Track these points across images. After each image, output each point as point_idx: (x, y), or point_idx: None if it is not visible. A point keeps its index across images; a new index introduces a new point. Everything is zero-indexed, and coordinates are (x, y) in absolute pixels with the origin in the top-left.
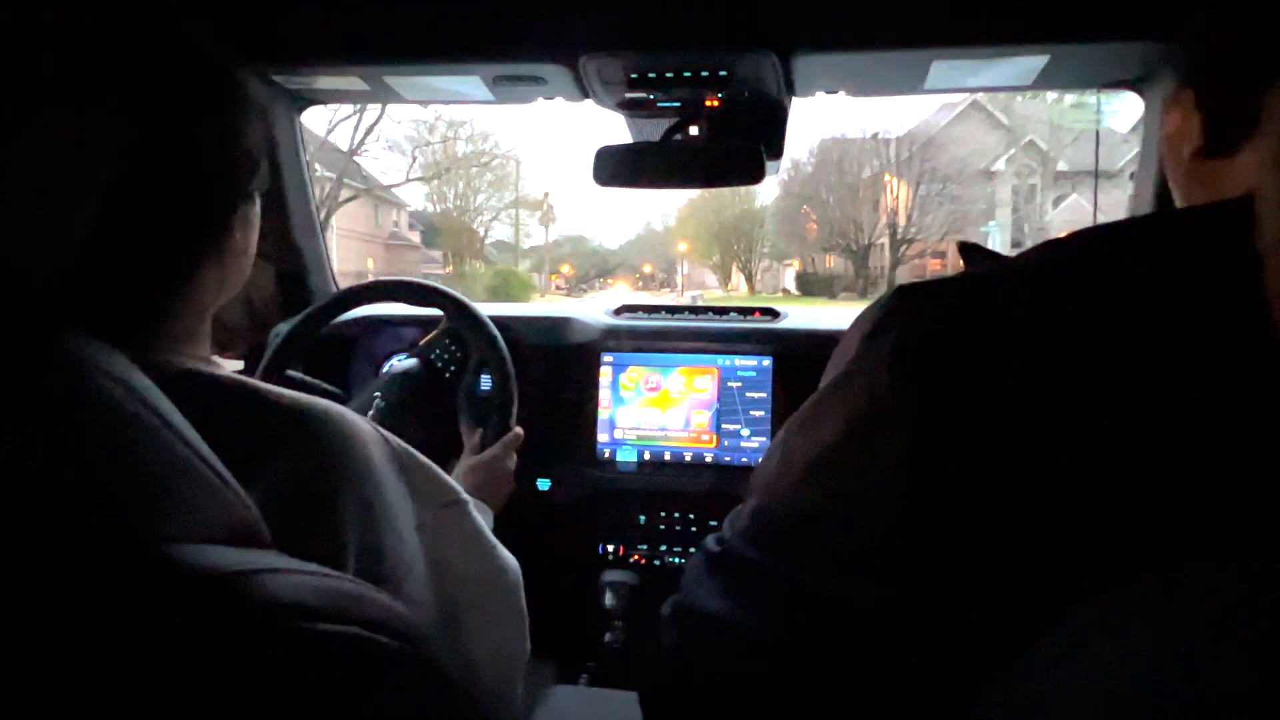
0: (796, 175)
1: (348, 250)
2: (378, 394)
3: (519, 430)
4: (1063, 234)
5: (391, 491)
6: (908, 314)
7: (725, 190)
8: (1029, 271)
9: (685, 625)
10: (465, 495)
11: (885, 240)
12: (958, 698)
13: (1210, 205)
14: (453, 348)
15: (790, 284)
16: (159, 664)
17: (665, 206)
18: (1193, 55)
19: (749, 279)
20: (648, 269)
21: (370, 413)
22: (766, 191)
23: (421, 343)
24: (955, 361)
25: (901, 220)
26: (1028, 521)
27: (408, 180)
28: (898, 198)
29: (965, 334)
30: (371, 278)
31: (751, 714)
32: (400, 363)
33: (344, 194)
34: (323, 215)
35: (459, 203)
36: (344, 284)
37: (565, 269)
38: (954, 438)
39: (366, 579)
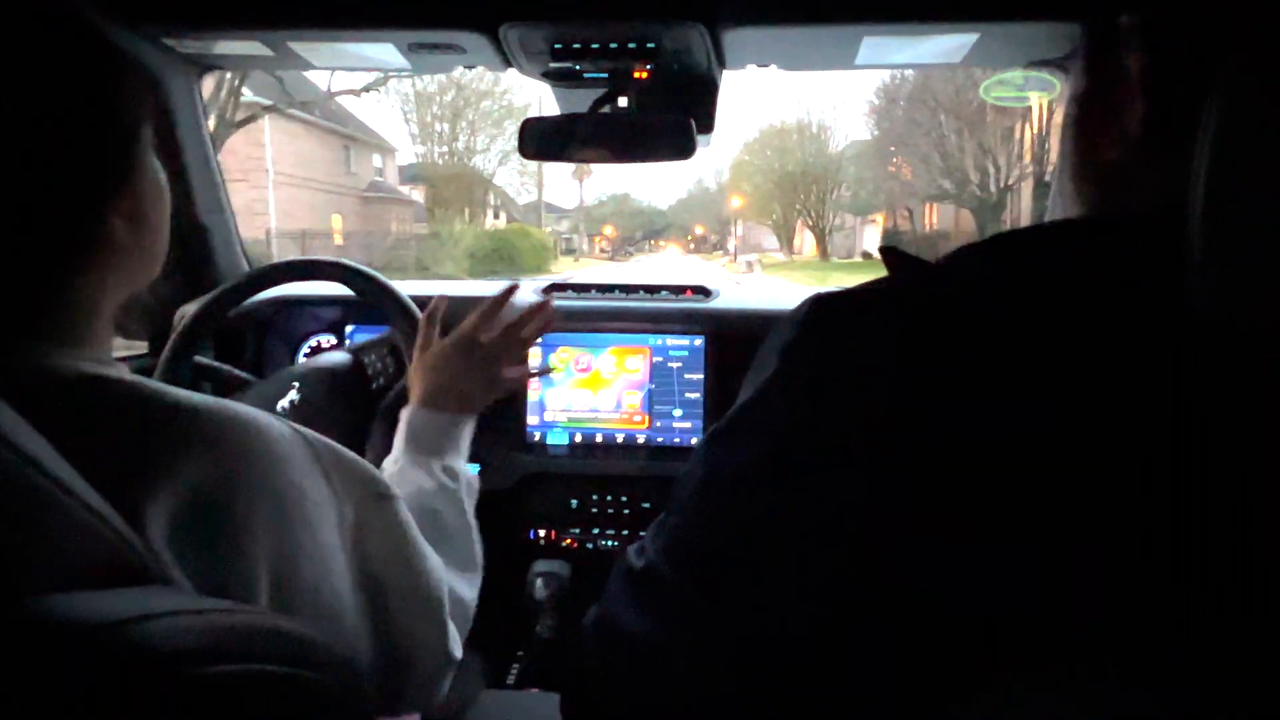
0: (886, 112)
1: (304, 203)
2: (296, 383)
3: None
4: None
5: (310, 490)
6: (825, 330)
7: (792, 131)
8: (948, 284)
9: (605, 639)
10: (394, 491)
11: (1025, 184)
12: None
13: (1131, 216)
14: (389, 359)
15: (872, 245)
16: None
17: (719, 161)
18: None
19: (820, 239)
20: (699, 230)
21: (285, 401)
22: (845, 132)
23: (359, 343)
24: (871, 379)
25: (1053, 155)
26: (945, 543)
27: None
28: (1044, 124)
29: (881, 350)
30: (339, 238)
31: None
32: (329, 356)
33: (242, 113)
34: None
35: (453, 144)
36: (305, 245)
37: (608, 230)
38: (872, 458)
39: (282, 587)
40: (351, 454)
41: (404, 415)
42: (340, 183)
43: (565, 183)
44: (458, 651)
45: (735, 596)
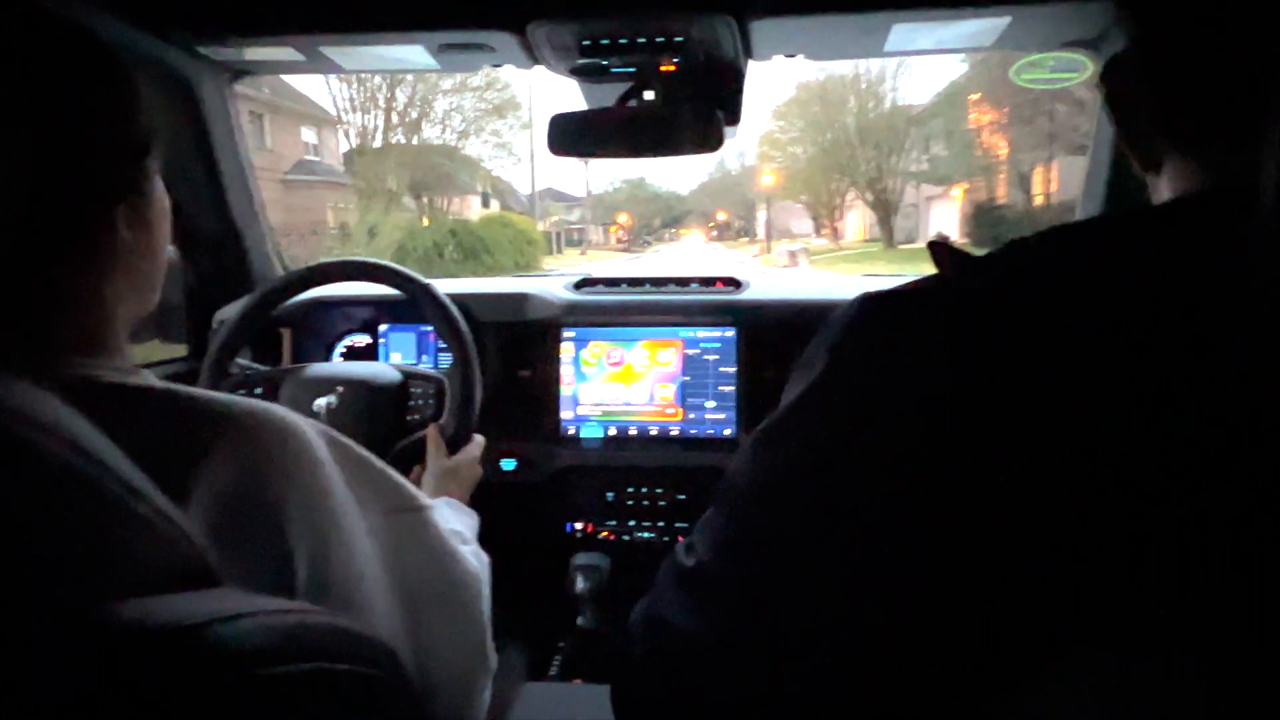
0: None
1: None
2: (340, 387)
3: (481, 439)
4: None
5: (339, 496)
6: (874, 331)
7: (841, 85)
8: (999, 281)
9: (655, 638)
10: (425, 502)
11: None
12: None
13: (1172, 205)
14: (433, 399)
15: (946, 225)
16: None
17: (742, 141)
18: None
19: (885, 219)
20: (722, 215)
21: (323, 401)
22: (922, 86)
23: (411, 368)
24: (923, 380)
25: None
26: (1006, 537)
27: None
28: None
29: (933, 351)
30: None
31: None
32: (378, 370)
33: None
34: None
35: (403, 116)
36: None
37: (622, 218)
38: (927, 456)
39: (316, 590)
40: (380, 465)
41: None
42: (258, 164)
43: (574, 170)
44: (494, 661)
45: (785, 595)
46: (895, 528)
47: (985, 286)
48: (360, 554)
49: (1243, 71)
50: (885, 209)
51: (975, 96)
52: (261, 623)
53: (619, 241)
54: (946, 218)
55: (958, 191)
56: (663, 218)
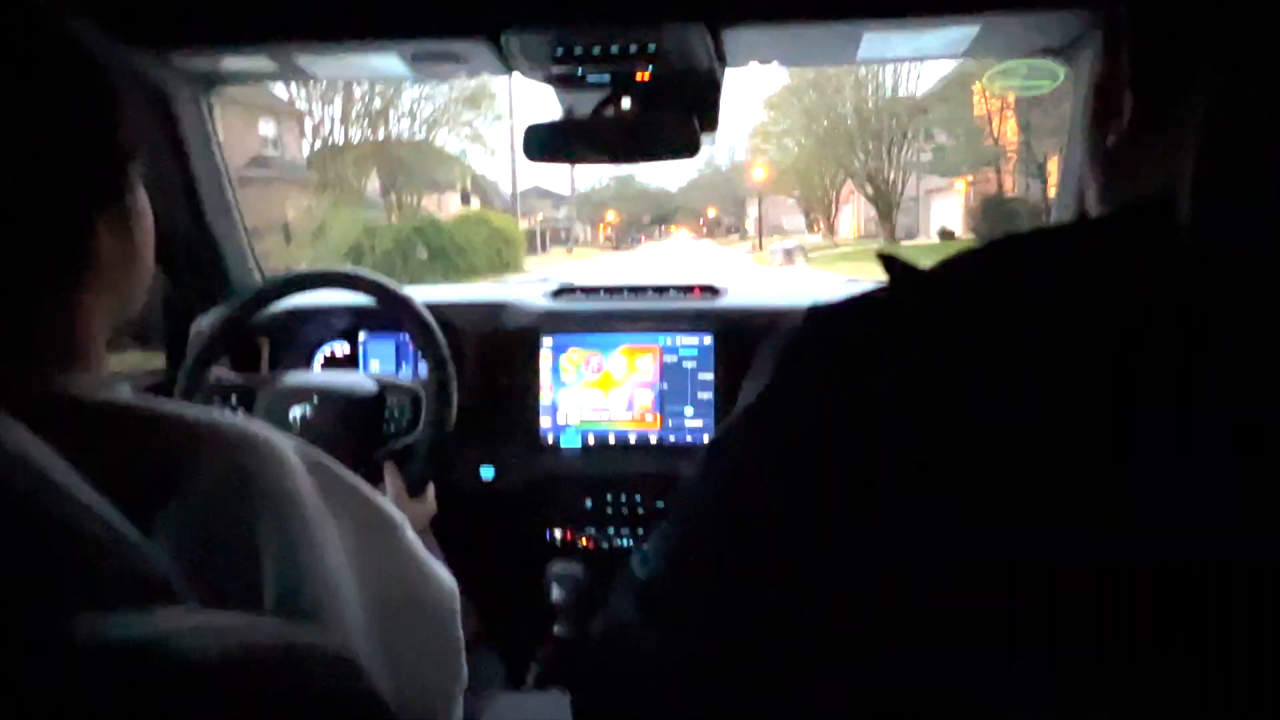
0: None
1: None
2: (315, 396)
3: (432, 501)
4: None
5: (314, 515)
6: (822, 343)
7: (839, 72)
8: (947, 293)
9: (611, 649)
10: (400, 518)
11: None
12: None
13: (1123, 213)
14: (409, 408)
15: (950, 219)
16: None
17: (732, 137)
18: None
19: (887, 213)
20: (711, 212)
21: (297, 411)
22: (928, 70)
23: (387, 378)
24: (868, 393)
25: None
26: (949, 550)
27: None
28: None
29: (878, 363)
30: None
31: None
32: (355, 380)
33: None
34: None
35: (365, 107)
36: None
37: (610, 216)
38: (870, 469)
39: (287, 609)
40: (355, 480)
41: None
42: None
43: (561, 167)
44: (466, 675)
45: (735, 604)
46: (836, 535)
47: (929, 300)
48: (333, 572)
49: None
50: (885, 203)
51: (984, 80)
52: (224, 636)
53: (607, 239)
54: (949, 212)
55: (960, 185)
56: (652, 215)
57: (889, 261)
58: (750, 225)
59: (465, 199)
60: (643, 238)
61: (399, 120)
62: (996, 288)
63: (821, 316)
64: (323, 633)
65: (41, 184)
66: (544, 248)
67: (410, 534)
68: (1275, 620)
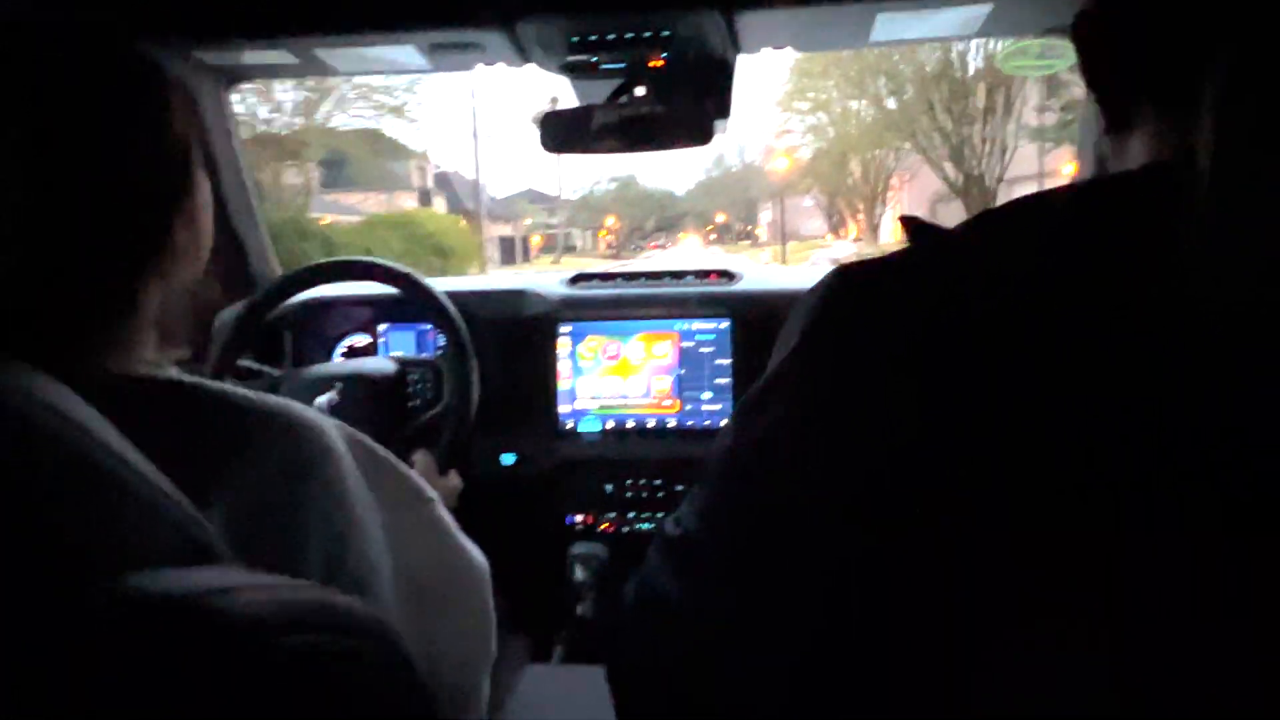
0: None
1: None
2: (339, 384)
3: (457, 479)
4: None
5: (357, 492)
6: (846, 304)
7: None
8: (968, 255)
9: (643, 606)
10: (433, 494)
11: None
12: (925, 682)
13: (1144, 172)
14: (431, 381)
15: None
16: (124, 698)
17: (742, 135)
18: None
19: (980, 199)
20: (721, 217)
21: (324, 399)
22: None
23: (406, 356)
24: (892, 353)
25: None
26: (964, 520)
27: None
28: None
29: (902, 325)
30: None
31: (715, 695)
32: (375, 363)
33: None
34: None
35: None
36: None
37: (610, 221)
38: (893, 430)
39: (331, 582)
40: (394, 459)
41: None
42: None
43: (552, 169)
44: (495, 649)
45: (765, 560)
46: (862, 496)
47: (951, 261)
48: (374, 548)
49: (1211, 28)
50: (979, 191)
51: (999, 60)
52: (263, 595)
53: (609, 246)
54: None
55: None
56: (656, 220)
57: (910, 223)
58: (764, 231)
59: (425, 199)
60: (647, 244)
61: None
62: (1018, 250)
63: (847, 276)
64: (361, 600)
65: (123, 189)
66: (526, 257)
67: (443, 509)
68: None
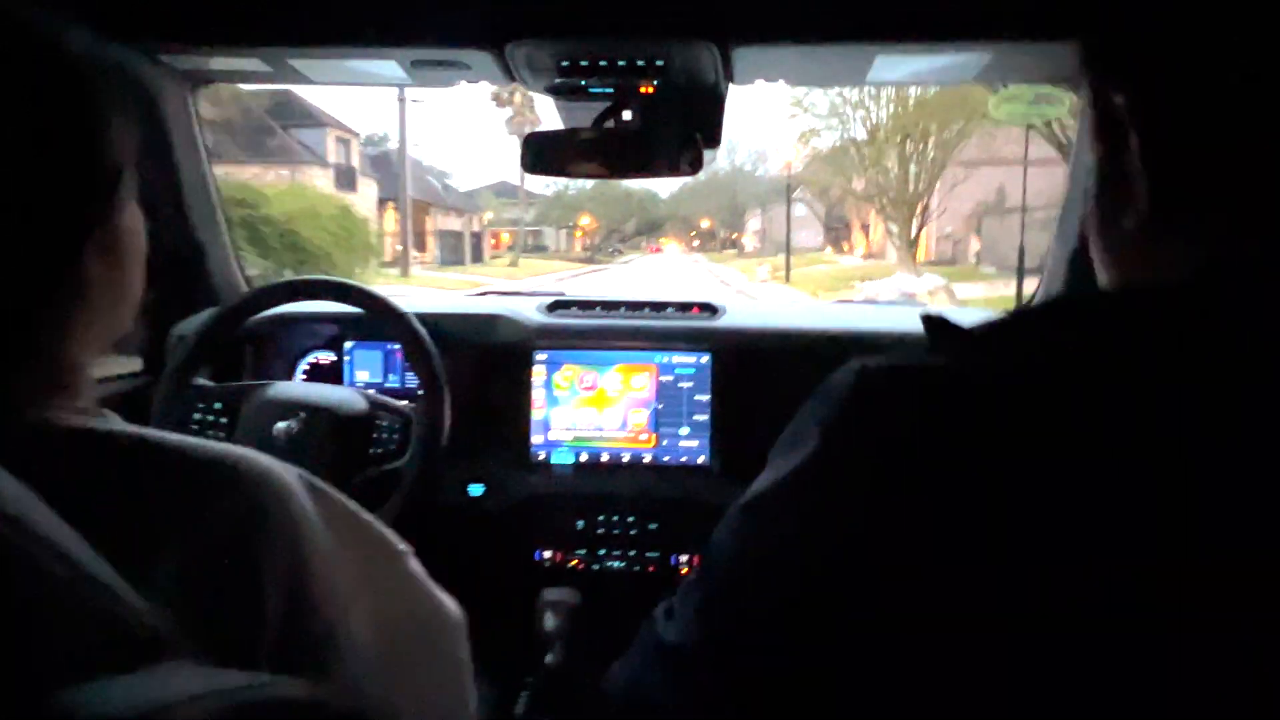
0: None
1: None
2: (304, 413)
3: None
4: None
5: (321, 550)
6: (870, 410)
7: None
8: (1003, 361)
9: (635, 713)
10: (404, 546)
11: None
12: None
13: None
14: (398, 433)
15: None
16: None
17: (732, 136)
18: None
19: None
20: (705, 223)
21: (283, 425)
22: None
23: (379, 398)
24: (920, 466)
25: None
26: (991, 636)
27: None
28: None
29: (929, 436)
30: None
31: None
32: (344, 396)
33: None
34: None
35: None
36: None
37: (585, 220)
38: (923, 543)
39: (288, 647)
40: (358, 509)
41: None
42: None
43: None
44: (474, 703)
45: (773, 681)
46: (885, 615)
47: (983, 367)
48: (338, 607)
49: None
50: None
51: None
52: (222, 699)
53: (584, 249)
54: None
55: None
56: (637, 223)
57: (933, 323)
58: (750, 240)
59: (347, 180)
60: (624, 249)
61: None
62: (1058, 361)
63: (870, 380)
64: (328, 686)
65: (22, 209)
66: (478, 257)
67: (415, 562)
68: None
